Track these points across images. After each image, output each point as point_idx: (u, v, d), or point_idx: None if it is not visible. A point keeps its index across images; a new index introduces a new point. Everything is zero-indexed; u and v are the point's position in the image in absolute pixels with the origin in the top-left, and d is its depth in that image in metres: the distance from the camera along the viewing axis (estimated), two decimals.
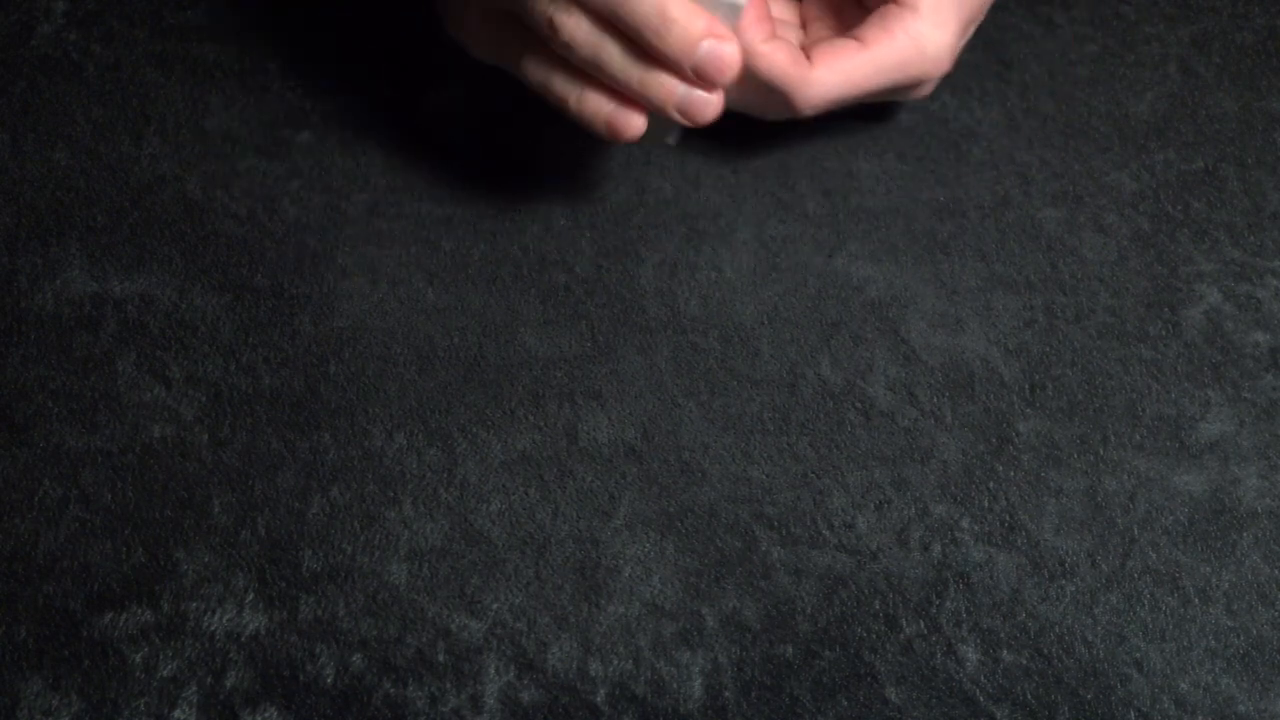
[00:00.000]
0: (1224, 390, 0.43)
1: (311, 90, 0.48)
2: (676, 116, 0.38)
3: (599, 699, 0.39)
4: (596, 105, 0.39)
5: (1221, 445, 0.42)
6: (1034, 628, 0.40)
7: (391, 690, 0.39)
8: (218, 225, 0.45)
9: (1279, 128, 0.47)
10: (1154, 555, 0.41)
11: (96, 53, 0.49)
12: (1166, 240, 0.45)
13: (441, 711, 0.38)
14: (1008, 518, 0.41)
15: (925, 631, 0.40)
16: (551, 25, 0.37)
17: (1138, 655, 0.39)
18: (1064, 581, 0.40)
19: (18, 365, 0.43)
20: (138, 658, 0.39)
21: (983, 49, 0.48)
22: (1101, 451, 0.42)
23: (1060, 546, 0.41)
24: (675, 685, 0.39)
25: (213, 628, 0.39)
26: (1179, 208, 0.46)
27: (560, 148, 0.47)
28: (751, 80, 0.41)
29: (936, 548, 0.41)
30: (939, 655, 0.39)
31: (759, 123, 0.44)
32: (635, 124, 0.39)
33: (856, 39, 0.41)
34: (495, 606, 0.40)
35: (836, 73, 0.41)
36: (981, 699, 0.39)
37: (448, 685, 0.39)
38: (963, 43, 0.43)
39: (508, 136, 0.47)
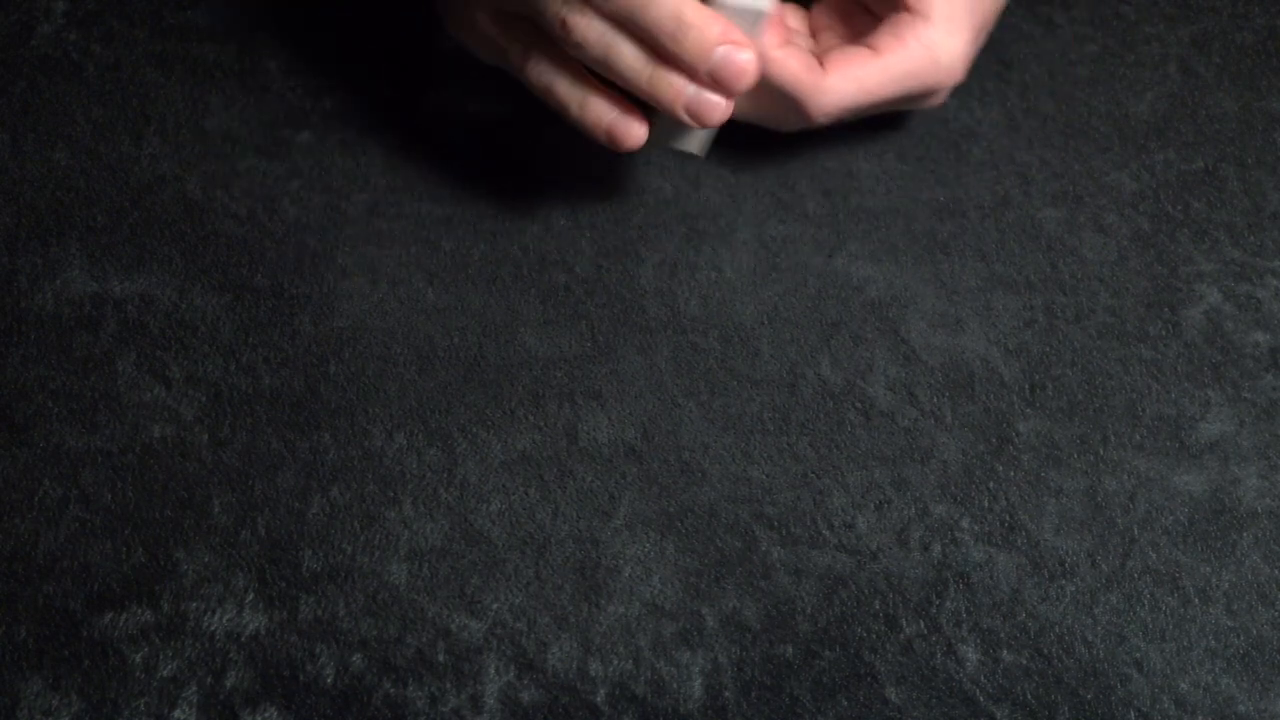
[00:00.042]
0: (1224, 390, 0.43)
1: (311, 90, 0.48)
2: (685, 117, 0.38)
3: (599, 699, 0.39)
4: (599, 113, 0.39)
5: (1221, 445, 0.42)
6: (1034, 628, 0.40)
7: (391, 690, 0.39)
8: (218, 225, 0.45)
9: (1279, 128, 0.47)
10: (1154, 555, 0.41)
11: (96, 53, 0.49)
12: (1166, 240, 0.45)
13: (441, 711, 0.38)
14: (1008, 518, 0.41)
15: (925, 631, 0.40)
16: (564, 25, 0.37)
17: (1138, 655, 0.39)
18: (1064, 581, 0.40)
19: (18, 365, 0.43)
20: (138, 658, 0.39)
21: (983, 49, 0.48)
22: (1101, 451, 0.42)
23: (1060, 546, 0.41)
24: (675, 685, 0.39)
25: (213, 628, 0.39)
26: (1179, 208, 0.46)
27: (560, 148, 0.47)
28: (764, 88, 0.41)
29: (936, 548, 0.41)
30: (939, 655, 0.39)
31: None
32: (636, 133, 0.39)
33: (869, 47, 0.41)
34: (495, 606, 0.40)
35: (850, 80, 0.41)
36: (981, 699, 0.39)
37: (448, 685, 0.39)
38: (975, 51, 0.43)
39: (508, 136, 0.47)
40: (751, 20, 0.37)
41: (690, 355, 0.43)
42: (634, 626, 0.40)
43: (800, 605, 0.40)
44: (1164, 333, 0.44)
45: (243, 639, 0.39)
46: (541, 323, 0.44)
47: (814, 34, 0.45)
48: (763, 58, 0.40)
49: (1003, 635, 0.40)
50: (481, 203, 0.46)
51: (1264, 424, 0.42)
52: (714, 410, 0.43)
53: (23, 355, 0.43)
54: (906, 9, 0.41)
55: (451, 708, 0.39)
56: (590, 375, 0.43)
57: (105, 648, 0.39)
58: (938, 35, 0.41)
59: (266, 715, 0.38)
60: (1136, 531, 0.41)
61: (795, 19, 0.45)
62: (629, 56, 0.37)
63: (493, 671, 0.39)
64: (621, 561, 0.40)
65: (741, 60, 0.37)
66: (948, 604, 0.40)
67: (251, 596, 0.40)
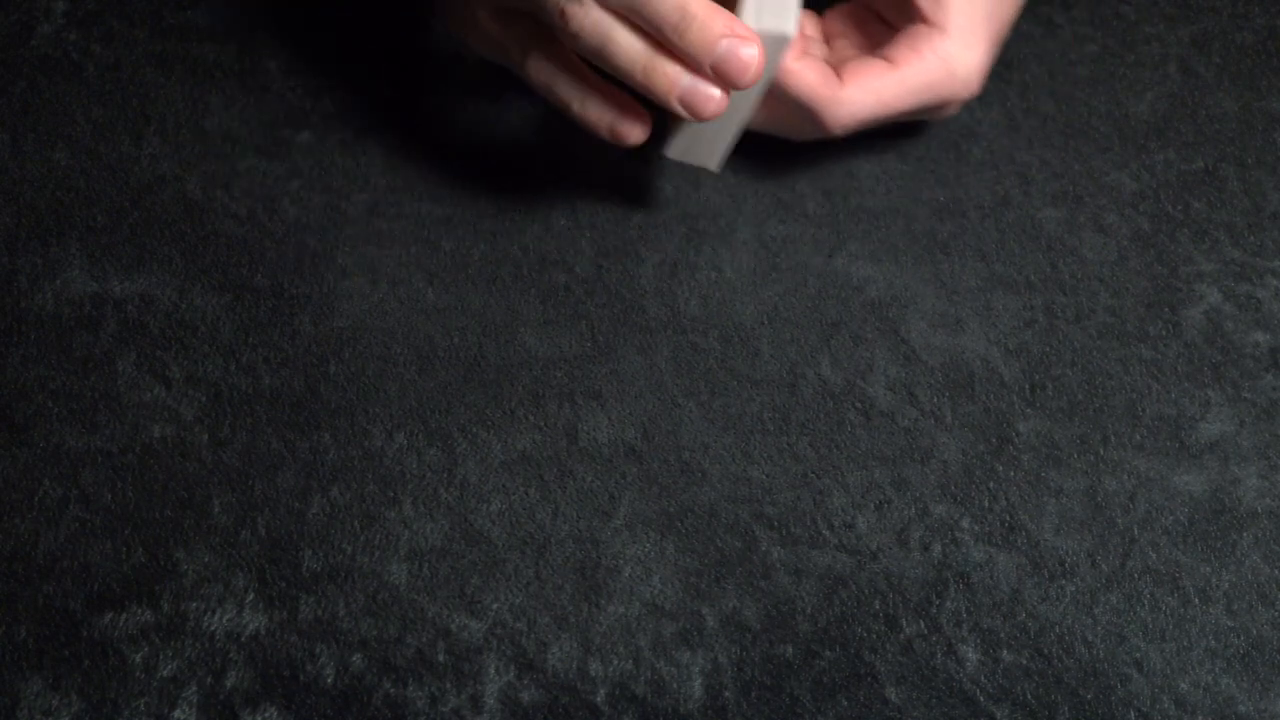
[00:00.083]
0: (1224, 390, 0.43)
1: (311, 90, 0.48)
2: (679, 109, 0.38)
3: (599, 699, 0.39)
4: (600, 109, 0.39)
5: (1221, 445, 0.42)
6: (1034, 628, 0.40)
7: (391, 690, 0.39)
8: (218, 225, 0.45)
9: (1279, 128, 0.47)
10: (1154, 555, 0.41)
11: (96, 53, 0.49)
12: (1166, 240, 0.45)
13: (441, 711, 0.38)
14: (1008, 518, 0.41)
15: (925, 631, 0.40)
16: (563, 15, 0.37)
17: (1138, 655, 0.39)
18: (1064, 581, 0.40)
19: (18, 365, 0.43)
20: (138, 658, 0.39)
21: None
22: (1101, 451, 0.42)
23: (1060, 546, 0.41)
24: (675, 685, 0.39)
25: (213, 628, 0.39)
26: (1179, 208, 0.46)
27: (560, 148, 0.47)
28: (781, 99, 0.41)
29: (936, 548, 0.41)
30: (939, 655, 0.39)
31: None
32: (635, 133, 0.39)
33: (886, 59, 0.41)
34: (495, 606, 0.40)
35: (867, 92, 0.41)
36: (981, 699, 0.39)
37: (448, 685, 0.39)
38: (991, 62, 0.43)
39: (508, 136, 0.47)
40: (776, 44, 0.37)
41: (690, 355, 0.43)
42: (634, 626, 0.40)
43: (800, 605, 0.40)
44: (1164, 333, 0.44)
45: (243, 639, 0.39)
46: (541, 323, 0.44)
47: (828, 40, 0.45)
48: (780, 69, 0.40)
49: (1003, 635, 0.40)
50: (481, 203, 0.46)
51: (1264, 424, 0.42)
52: (714, 410, 0.43)
53: (23, 355, 0.43)
54: (923, 21, 0.41)
55: (451, 708, 0.39)
56: (590, 375, 0.43)
57: (105, 648, 0.39)
58: (954, 48, 0.41)
59: (266, 715, 0.38)
60: (1136, 531, 0.41)
61: (810, 26, 0.45)
62: (626, 48, 0.37)
63: (493, 671, 0.39)
64: (621, 561, 0.40)
65: (745, 54, 0.37)
66: (948, 604, 0.40)
67: (251, 596, 0.40)
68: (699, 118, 0.38)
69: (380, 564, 0.40)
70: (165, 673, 0.39)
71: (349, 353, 0.43)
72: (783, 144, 0.46)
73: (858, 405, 0.43)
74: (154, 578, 0.40)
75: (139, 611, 0.40)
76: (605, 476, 0.41)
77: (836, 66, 0.42)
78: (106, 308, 0.44)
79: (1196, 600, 0.40)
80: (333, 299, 0.44)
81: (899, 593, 0.40)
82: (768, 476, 0.42)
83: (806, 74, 0.41)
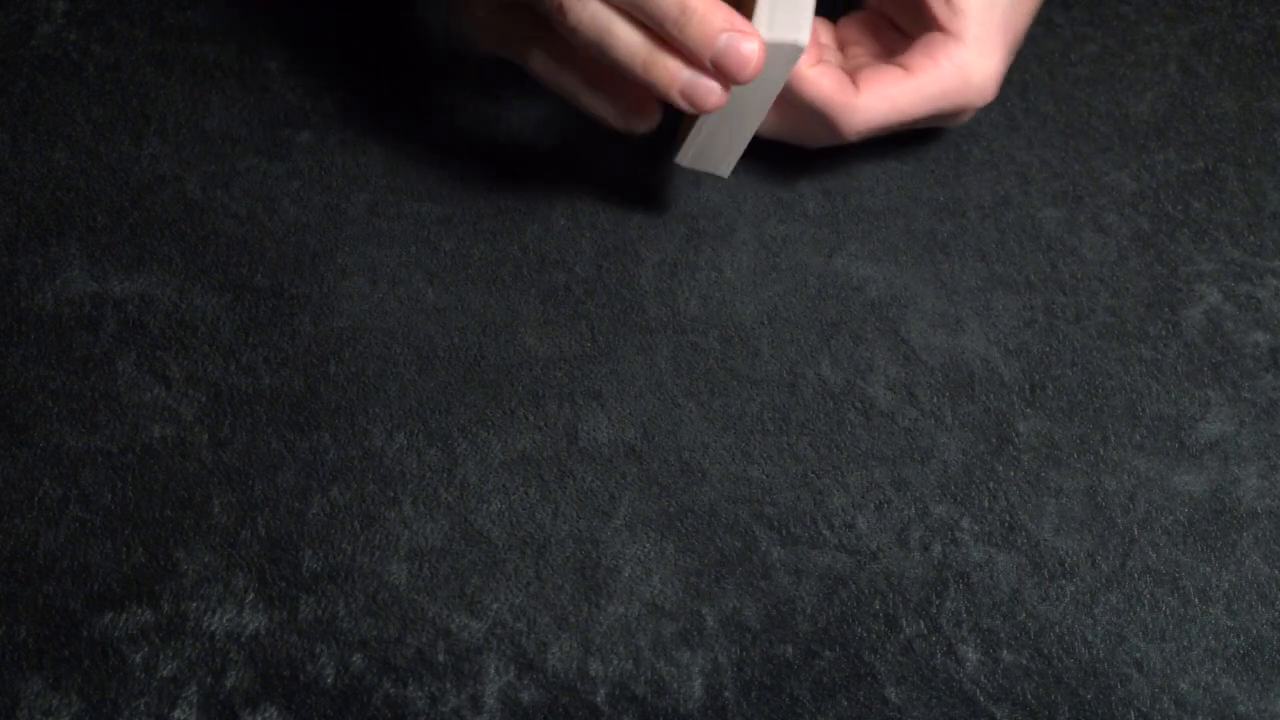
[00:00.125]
0: (1224, 390, 0.43)
1: (311, 90, 0.48)
2: (679, 101, 0.38)
3: (599, 699, 0.39)
4: (607, 104, 0.40)
5: (1221, 445, 0.42)
6: (1034, 628, 0.40)
7: (391, 690, 0.39)
8: (218, 225, 0.45)
9: (1279, 128, 0.47)
10: (1154, 555, 0.41)
11: (96, 53, 0.49)
12: (1166, 240, 0.45)
13: (441, 711, 0.38)
14: (1008, 518, 0.41)
15: (925, 631, 0.40)
16: (561, 9, 0.37)
17: (1138, 655, 0.39)
18: (1064, 581, 0.40)
19: (18, 365, 0.43)
20: (138, 658, 0.39)
21: None
22: (1101, 451, 0.42)
23: (1060, 546, 0.41)
24: (675, 685, 0.39)
25: (213, 628, 0.39)
26: (1179, 208, 0.46)
27: (560, 148, 0.47)
28: (796, 106, 0.41)
29: (936, 548, 0.41)
30: (939, 655, 0.39)
31: None
32: (644, 124, 0.40)
33: (901, 66, 0.41)
34: (495, 606, 0.40)
35: (882, 99, 0.41)
36: (981, 699, 0.39)
37: (448, 685, 0.39)
38: (1006, 70, 0.43)
39: (508, 136, 0.47)
40: (789, 53, 0.37)
41: (690, 355, 0.43)
42: (634, 626, 0.40)
43: (800, 605, 0.40)
44: (1164, 333, 0.44)
45: (243, 639, 0.39)
46: (541, 323, 0.44)
47: (842, 48, 0.45)
48: (796, 76, 0.40)
49: (1003, 635, 0.40)
50: (481, 203, 0.46)
51: (1264, 424, 0.42)
52: (714, 410, 0.43)
53: (23, 355, 0.43)
54: (939, 29, 0.41)
55: (451, 708, 0.39)
56: (590, 375, 0.43)
57: (105, 648, 0.39)
58: (970, 56, 0.41)
59: (266, 715, 0.38)
60: (1136, 531, 0.41)
61: (824, 34, 0.45)
62: (625, 43, 0.37)
63: (493, 671, 0.39)
64: (621, 561, 0.40)
65: (745, 48, 0.36)
66: (948, 604, 0.40)
67: (251, 596, 0.40)
68: (701, 111, 0.38)
69: (380, 564, 0.40)
70: (165, 673, 0.39)
71: (349, 353, 0.43)
72: (783, 145, 0.46)
73: (858, 405, 0.43)
74: (154, 578, 0.40)
75: (139, 611, 0.40)
76: (605, 476, 0.41)
77: (851, 73, 0.42)
78: (106, 308, 0.44)
79: (1196, 600, 0.40)
80: (333, 299, 0.44)
81: (899, 593, 0.40)
82: (768, 476, 0.42)
83: (822, 80, 0.41)
